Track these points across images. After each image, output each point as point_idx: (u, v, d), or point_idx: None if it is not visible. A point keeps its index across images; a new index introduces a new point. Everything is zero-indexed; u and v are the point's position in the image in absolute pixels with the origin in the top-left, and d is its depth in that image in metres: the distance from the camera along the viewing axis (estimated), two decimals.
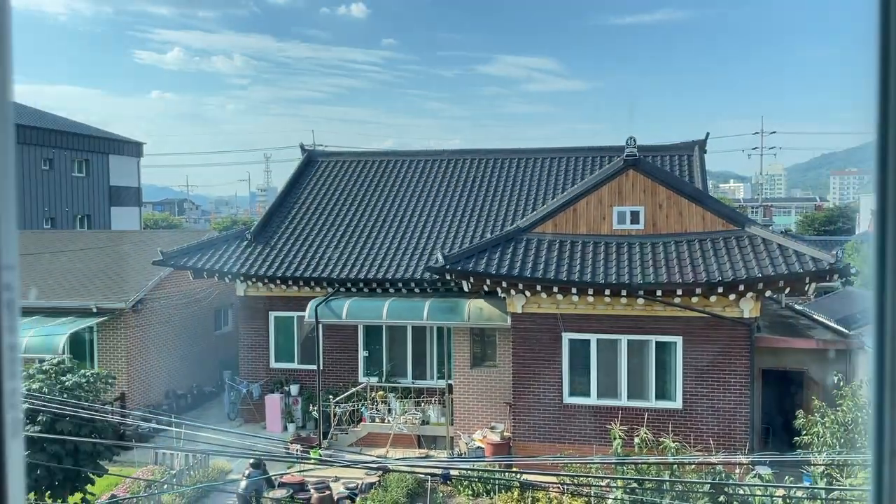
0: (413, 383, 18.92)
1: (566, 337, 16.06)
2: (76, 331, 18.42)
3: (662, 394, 15.75)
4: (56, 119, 42.38)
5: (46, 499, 12.83)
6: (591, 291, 15.41)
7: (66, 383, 13.28)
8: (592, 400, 15.99)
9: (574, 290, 15.50)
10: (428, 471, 14.17)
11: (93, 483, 13.25)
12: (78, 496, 13.11)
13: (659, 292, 15.17)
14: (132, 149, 45.71)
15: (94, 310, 18.98)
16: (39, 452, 12.26)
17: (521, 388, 16.26)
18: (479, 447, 16.53)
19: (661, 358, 15.77)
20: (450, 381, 18.08)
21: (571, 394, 16.09)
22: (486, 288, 16.49)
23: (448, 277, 16.60)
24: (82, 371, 14.02)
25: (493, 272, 15.57)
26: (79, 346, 19.07)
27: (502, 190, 21.49)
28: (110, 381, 14.25)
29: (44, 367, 13.62)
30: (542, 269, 15.55)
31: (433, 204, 21.23)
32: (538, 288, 15.71)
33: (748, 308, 15.22)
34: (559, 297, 15.82)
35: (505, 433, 16.63)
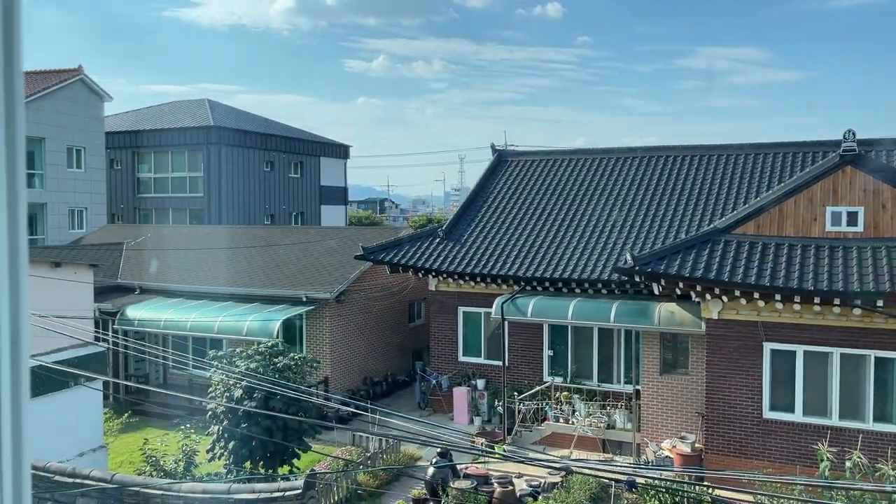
0: (598, 386, 18.59)
1: (767, 347, 14.91)
2: (288, 317, 20.26)
3: (882, 415, 14.09)
4: (276, 125, 46.82)
5: (260, 468, 14.29)
6: (797, 299, 14.17)
7: (278, 365, 14.68)
8: (797, 417, 14.70)
9: (778, 297, 14.34)
10: (613, 476, 13.84)
11: (298, 458, 14.54)
12: (286, 468, 14.46)
13: (880, 302, 13.58)
14: (340, 151, 49.30)
15: (304, 299, 20.76)
16: (255, 426, 13.68)
17: (716, 399, 15.35)
18: (667, 457, 15.87)
19: (881, 375, 14.12)
20: (637, 387, 17.53)
21: (772, 408, 14.91)
22: (678, 291, 15.76)
23: (637, 279, 16.09)
24: (292, 354, 15.43)
25: (687, 275, 14.84)
26: (290, 331, 20.96)
27: (698, 189, 20.40)
28: (315, 364, 15.53)
29: (260, 349, 15.15)
30: (741, 272, 14.56)
31: (623, 203, 20.68)
32: (737, 293, 14.73)
33: None
34: (761, 303, 14.72)
35: (696, 444, 15.81)
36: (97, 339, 15.97)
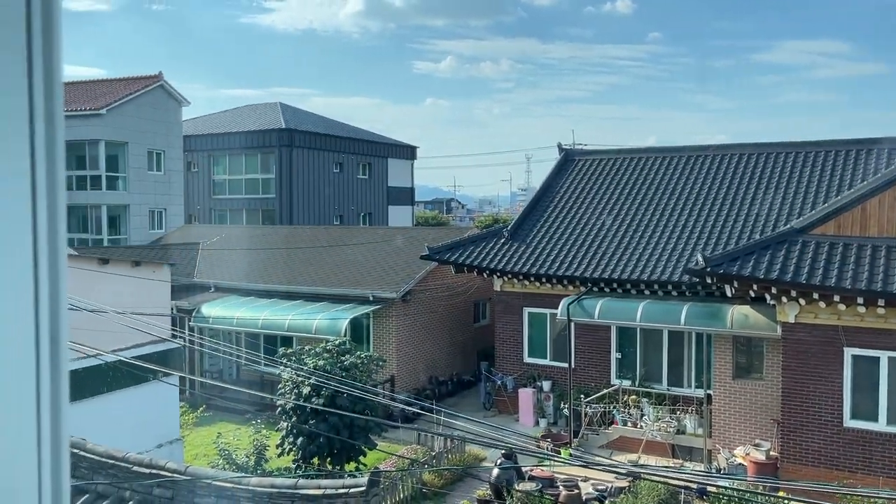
0: (668, 390, 18.15)
1: (848, 352, 14.24)
2: (356, 316, 20.56)
3: None
4: (346, 127, 47.62)
5: (328, 464, 14.57)
6: (882, 302, 13.48)
7: (345, 363, 14.92)
8: (880, 426, 13.99)
9: (860, 300, 13.69)
10: (682, 483, 13.49)
11: (365, 455, 14.74)
12: (352, 465, 14.69)
13: None
14: (407, 152, 49.76)
15: (371, 298, 21.04)
16: (322, 423, 13.95)
17: (792, 405, 14.77)
18: (740, 464, 15.37)
19: None
20: (709, 391, 17.04)
21: (853, 416, 14.24)
22: (752, 294, 15.24)
23: (709, 281, 15.64)
24: (358, 353, 15.67)
25: (762, 276, 14.34)
26: (357, 330, 21.27)
27: (774, 187, 19.66)
28: (380, 363, 15.71)
29: (328, 347, 15.45)
30: (820, 274, 13.96)
31: (694, 202, 20.12)
32: (815, 296, 14.14)
33: None
34: (841, 307, 14.08)
35: (771, 452, 15.26)
36: (174, 335, 16.59)
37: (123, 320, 11.28)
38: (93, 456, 8.43)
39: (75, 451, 8.27)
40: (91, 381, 12.10)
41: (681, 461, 16.83)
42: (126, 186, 34.35)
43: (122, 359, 11.63)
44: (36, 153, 0.66)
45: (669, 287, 17.64)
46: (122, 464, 8.66)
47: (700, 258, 15.03)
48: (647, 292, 18.03)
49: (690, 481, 13.35)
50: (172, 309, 20.59)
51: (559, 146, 24.73)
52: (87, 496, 7.93)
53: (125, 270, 14.64)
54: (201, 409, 18.08)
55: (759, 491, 13.63)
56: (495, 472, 14.43)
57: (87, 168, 33.40)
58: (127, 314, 11.58)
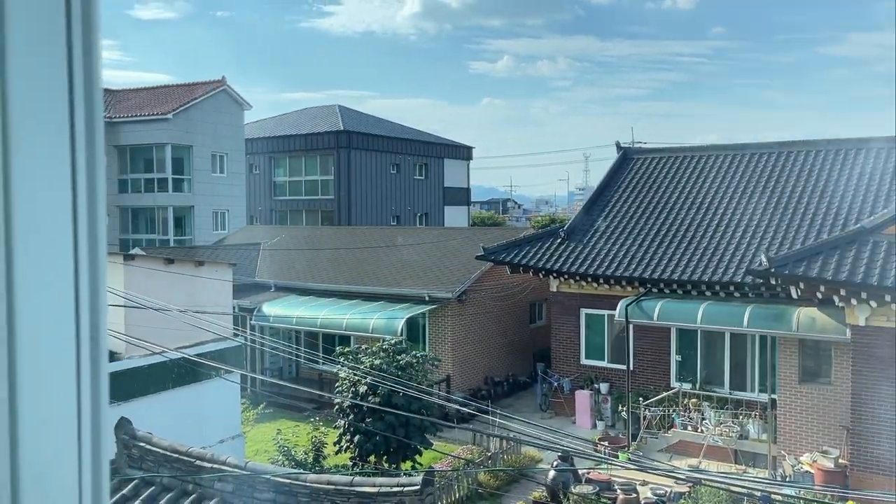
0: (730, 394, 17.66)
1: None
2: (412, 316, 20.69)
3: None
4: (402, 129, 47.97)
5: (384, 462, 14.70)
6: None
7: (401, 362, 15.03)
8: None
9: None
10: (745, 490, 13.10)
11: (420, 454, 14.81)
12: (408, 464, 14.77)
13: None
14: (463, 153, 49.80)
15: (427, 298, 21.13)
16: (379, 421, 14.07)
17: (863, 412, 14.17)
18: (806, 472, 14.84)
19: None
20: (773, 396, 16.50)
21: None
22: (819, 295, 14.69)
23: (773, 282, 15.15)
24: (414, 352, 15.76)
25: (830, 278, 13.81)
26: (413, 329, 21.39)
27: (843, 186, 18.89)
28: (435, 363, 15.76)
29: (384, 346, 15.58)
30: (893, 276, 13.35)
31: (757, 201, 19.51)
32: (887, 298, 13.54)
33: None
34: None
35: (840, 460, 14.68)
36: (235, 334, 16.99)
37: (187, 318, 11.62)
38: (158, 450, 8.71)
39: (142, 444, 8.57)
40: (157, 378, 12.51)
41: (744, 467, 16.36)
42: (191, 188, 35.39)
43: (186, 356, 11.98)
44: (76, 152, 0.68)
45: (731, 288, 17.16)
46: (186, 458, 8.92)
47: (764, 259, 14.58)
48: (708, 293, 17.58)
49: (754, 488, 12.96)
50: (234, 308, 21.07)
51: (617, 145, 24.35)
52: (152, 488, 8.20)
53: (189, 270, 15.07)
54: (262, 405, 18.47)
55: (826, 500, 13.14)
56: (551, 474, 14.31)
57: (154, 171, 34.56)
58: (190, 312, 11.93)
